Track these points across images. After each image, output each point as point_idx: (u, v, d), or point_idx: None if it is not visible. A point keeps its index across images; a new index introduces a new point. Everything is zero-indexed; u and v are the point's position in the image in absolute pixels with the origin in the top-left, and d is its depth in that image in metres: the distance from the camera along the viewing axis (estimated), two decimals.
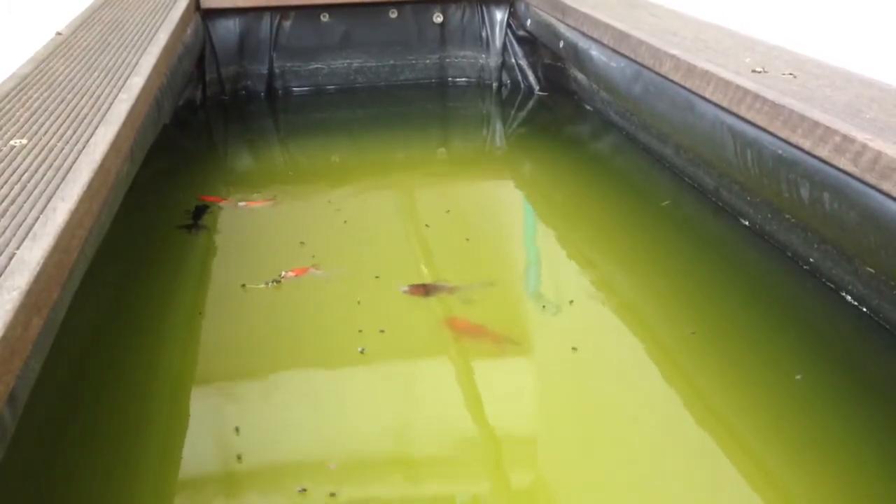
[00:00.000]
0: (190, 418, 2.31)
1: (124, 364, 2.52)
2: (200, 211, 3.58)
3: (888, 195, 2.10)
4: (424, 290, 2.92)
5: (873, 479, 2.04)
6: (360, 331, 2.67)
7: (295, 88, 5.36)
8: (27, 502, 1.99)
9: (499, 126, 5.12)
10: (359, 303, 2.84)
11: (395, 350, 2.61)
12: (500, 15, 5.42)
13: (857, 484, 2.03)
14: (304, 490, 2.01)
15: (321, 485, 2.03)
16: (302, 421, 2.30)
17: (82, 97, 2.92)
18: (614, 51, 3.80)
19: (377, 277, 3.00)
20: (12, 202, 2.07)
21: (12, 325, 1.58)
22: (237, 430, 2.22)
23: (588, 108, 4.86)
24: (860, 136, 2.22)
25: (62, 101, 2.86)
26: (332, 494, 2.00)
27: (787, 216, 2.93)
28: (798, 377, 2.39)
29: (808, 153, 2.40)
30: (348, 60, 5.39)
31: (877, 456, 2.11)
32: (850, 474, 2.06)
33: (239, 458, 2.12)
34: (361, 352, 2.56)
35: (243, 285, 2.95)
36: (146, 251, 3.23)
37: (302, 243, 3.28)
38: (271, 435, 2.22)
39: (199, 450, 2.19)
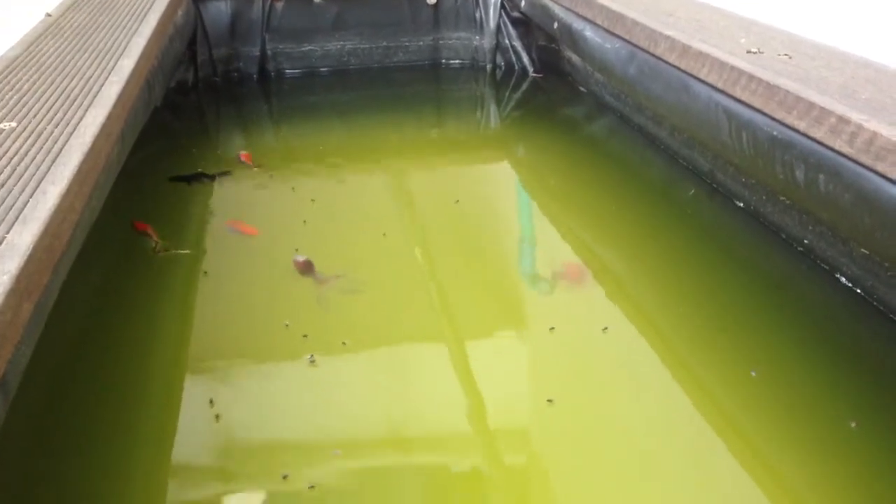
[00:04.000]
0: (183, 402, 2.30)
1: (116, 348, 2.51)
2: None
3: (884, 176, 2.09)
4: (304, 265, 2.88)
5: (871, 466, 2.05)
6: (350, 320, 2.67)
7: (287, 70, 5.32)
8: (19, 486, 1.99)
9: (493, 108, 5.10)
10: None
11: (388, 336, 2.61)
12: None
13: (849, 460, 2.04)
14: (287, 476, 2.00)
15: (316, 471, 2.04)
16: (295, 405, 2.30)
17: (72, 80, 2.89)
18: (609, 32, 3.77)
19: (368, 260, 2.99)
20: (2, 186, 2.05)
21: (2, 311, 1.57)
22: (232, 415, 2.22)
23: (582, 89, 4.83)
24: (856, 117, 2.21)
25: (52, 84, 2.83)
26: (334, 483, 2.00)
27: (782, 198, 2.92)
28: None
29: (804, 134, 2.39)
30: (341, 42, 5.34)
31: (872, 442, 2.11)
32: (845, 460, 2.06)
33: (232, 443, 2.12)
34: (344, 344, 2.55)
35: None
36: (137, 234, 3.21)
37: (304, 222, 3.32)
38: (268, 420, 2.22)
39: (192, 435, 2.18)
